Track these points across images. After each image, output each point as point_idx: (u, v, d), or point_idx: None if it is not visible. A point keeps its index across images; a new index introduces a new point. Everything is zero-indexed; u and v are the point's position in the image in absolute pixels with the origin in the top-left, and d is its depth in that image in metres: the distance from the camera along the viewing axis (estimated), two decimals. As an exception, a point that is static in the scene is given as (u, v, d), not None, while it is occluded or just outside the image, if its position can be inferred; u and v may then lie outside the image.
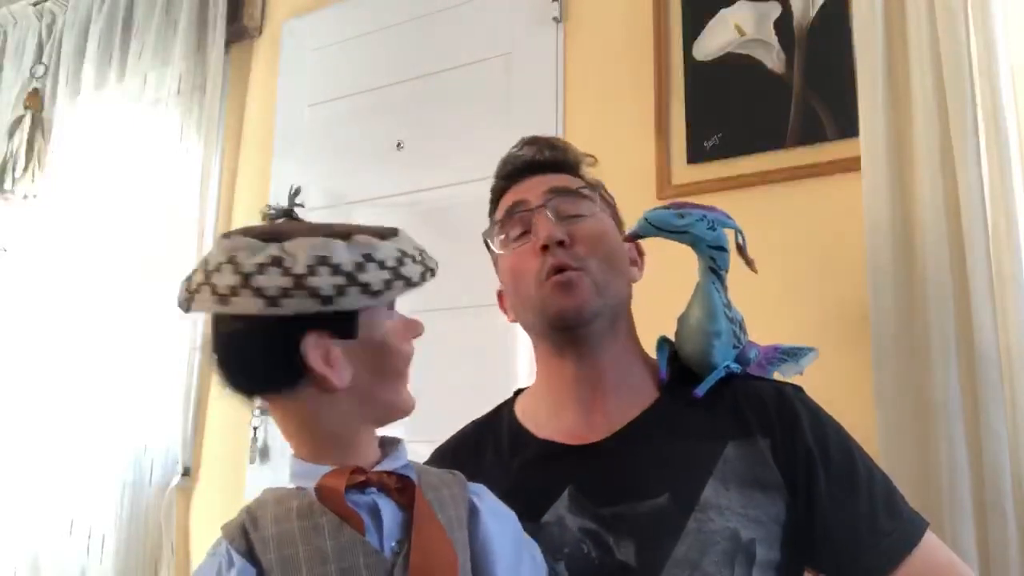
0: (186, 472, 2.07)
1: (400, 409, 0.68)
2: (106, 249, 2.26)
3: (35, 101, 2.54)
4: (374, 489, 0.64)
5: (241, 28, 2.26)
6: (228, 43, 2.26)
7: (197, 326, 2.10)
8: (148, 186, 2.24)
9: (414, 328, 0.69)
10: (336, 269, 0.59)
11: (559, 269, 0.83)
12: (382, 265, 0.62)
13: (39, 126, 2.52)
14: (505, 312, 0.96)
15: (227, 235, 0.63)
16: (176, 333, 2.10)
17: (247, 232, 0.62)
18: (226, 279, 0.58)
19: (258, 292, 0.58)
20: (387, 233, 0.65)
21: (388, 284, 0.62)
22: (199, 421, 2.11)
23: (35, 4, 2.65)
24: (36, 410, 2.24)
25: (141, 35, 2.36)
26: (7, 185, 2.49)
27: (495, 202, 0.95)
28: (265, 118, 2.19)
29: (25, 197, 2.49)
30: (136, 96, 2.33)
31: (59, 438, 2.18)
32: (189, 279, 0.62)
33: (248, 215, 2.18)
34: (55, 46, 2.59)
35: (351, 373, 0.63)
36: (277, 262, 0.58)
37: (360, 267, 0.60)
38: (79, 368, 2.21)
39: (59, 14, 2.62)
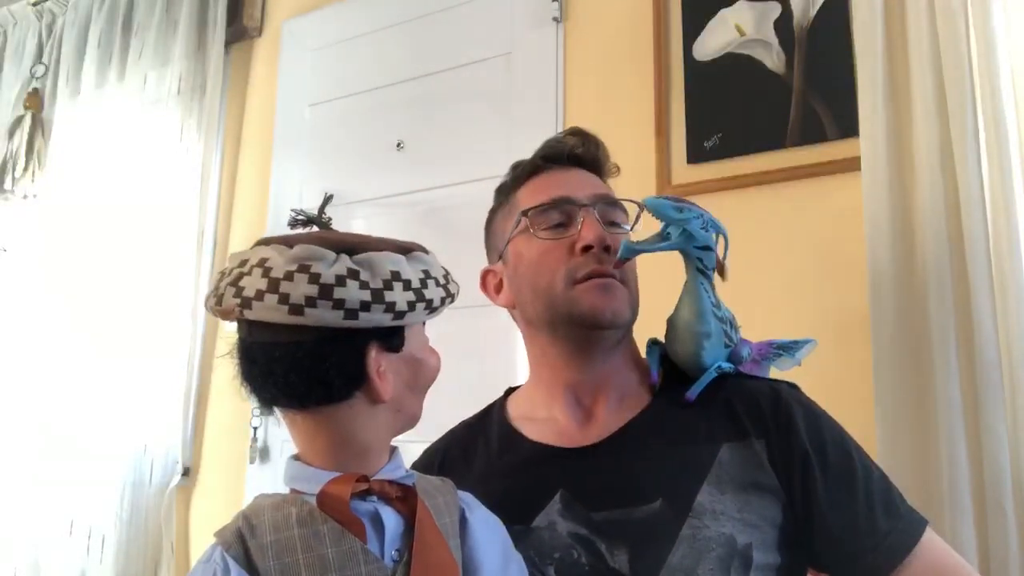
0: (186, 472, 2.07)
1: (416, 420, 0.69)
2: (106, 249, 2.26)
3: (35, 101, 2.55)
4: (375, 497, 0.64)
5: (241, 28, 2.26)
6: (228, 43, 2.26)
7: (197, 326, 2.11)
8: (148, 186, 2.24)
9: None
10: (407, 285, 0.61)
11: (602, 275, 0.82)
12: (437, 282, 0.65)
13: (39, 126, 2.52)
14: (488, 293, 0.94)
15: (273, 241, 0.62)
16: (176, 333, 2.10)
17: (303, 240, 0.61)
18: (302, 288, 0.57)
19: (338, 304, 0.58)
20: (410, 247, 0.66)
21: (442, 300, 0.65)
22: (199, 421, 2.11)
23: (35, 4, 2.65)
24: (36, 410, 2.24)
25: (141, 35, 2.37)
26: (7, 185, 2.49)
27: (521, 179, 0.92)
28: (265, 118, 2.19)
29: (25, 197, 2.49)
30: (136, 96, 2.33)
31: (59, 438, 2.18)
32: (236, 285, 0.60)
33: (248, 215, 2.18)
34: (55, 46, 2.60)
35: (393, 385, 0.64)
36: (354, 275, 0.59)
37: (423, 283, 0.63)
38: (79, 368, 2.21)
39: (59, 14, 2.62)
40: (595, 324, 0.83)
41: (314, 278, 0.58)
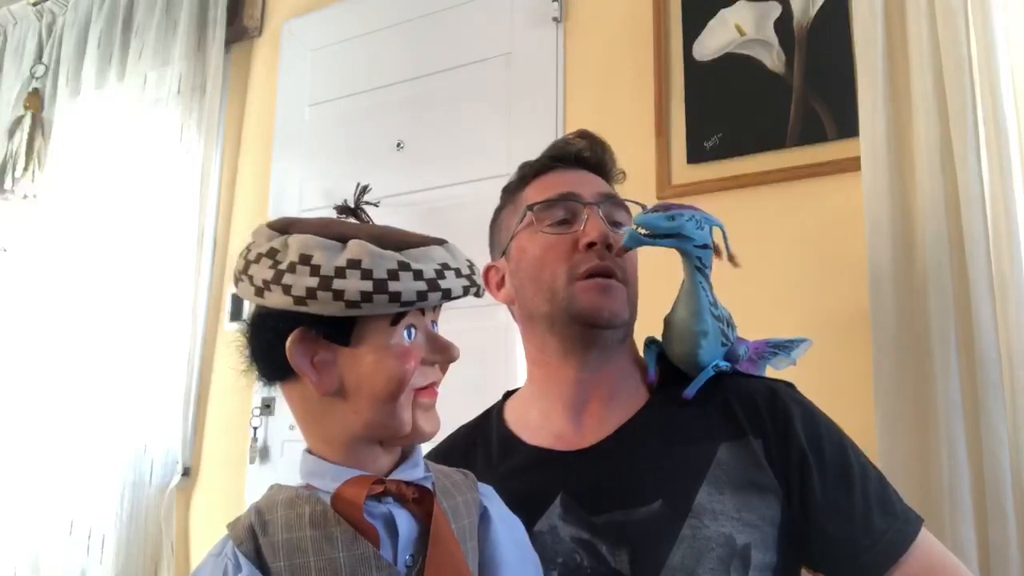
0: (186, 472, 2.07)
1: (401, 434, 0.62)
2: (106, 249, 2.26)
3: (35, 101, 2.55)
4: (390, 499, 0.62)
5: (241, 28, 2.26)
6: (228, 43, 2.26)
7: (197, 326, 2.11)
8: (148, 186, 2.25)
9: (441, 352, 0.64)
10: (367, 274, 0.58)
11: (603, 273, 0.83)
12: (419, 275, 0.59)
13: (39, 126, 2.53)
14: (490, 289, 0.93)
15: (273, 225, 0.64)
16: (176, 333, 2.11)
17: (300, 226, 0.62)
18: (263, 274, 0.59)
19: (287, 289, 0.58)
20: (431, 241, 0.65)
21: (420, 295, 0.59)
22: (199, 421, 2.11)
23: (35, 4, 2.65)
24: (36, 410, 2.24)
25: (141, 35, 2.37)
26: (7, 185, 2.49)
27: (528, 177, 0.93)
28: (265, 118, 2.19)
29: (25, 197, 2.49)
30: (136, 96, 2.33)
31: (59, 438, 2.18)
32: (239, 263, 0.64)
33: (248, 215, 2.18)
34: (55, 46, 2.60)
35: (338, 381, 0.60)
36: (306, 260, 0.58)
37: (394, 275, 0.58)
38: (79, 368, 2.21)
39: (59, 14, 2.62)
40: (592, 323, 0.83)
41: (276, 263, 0.59)
